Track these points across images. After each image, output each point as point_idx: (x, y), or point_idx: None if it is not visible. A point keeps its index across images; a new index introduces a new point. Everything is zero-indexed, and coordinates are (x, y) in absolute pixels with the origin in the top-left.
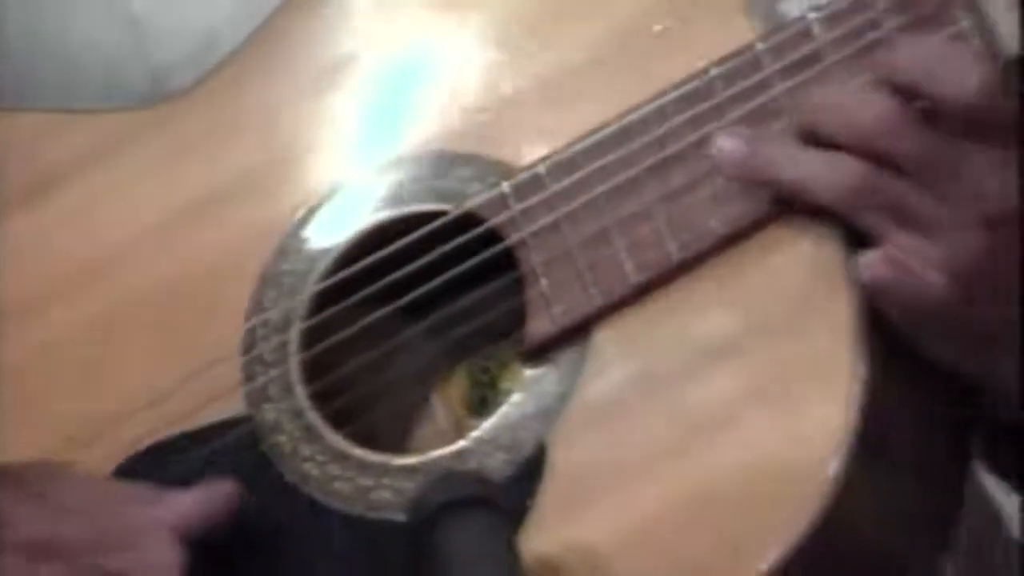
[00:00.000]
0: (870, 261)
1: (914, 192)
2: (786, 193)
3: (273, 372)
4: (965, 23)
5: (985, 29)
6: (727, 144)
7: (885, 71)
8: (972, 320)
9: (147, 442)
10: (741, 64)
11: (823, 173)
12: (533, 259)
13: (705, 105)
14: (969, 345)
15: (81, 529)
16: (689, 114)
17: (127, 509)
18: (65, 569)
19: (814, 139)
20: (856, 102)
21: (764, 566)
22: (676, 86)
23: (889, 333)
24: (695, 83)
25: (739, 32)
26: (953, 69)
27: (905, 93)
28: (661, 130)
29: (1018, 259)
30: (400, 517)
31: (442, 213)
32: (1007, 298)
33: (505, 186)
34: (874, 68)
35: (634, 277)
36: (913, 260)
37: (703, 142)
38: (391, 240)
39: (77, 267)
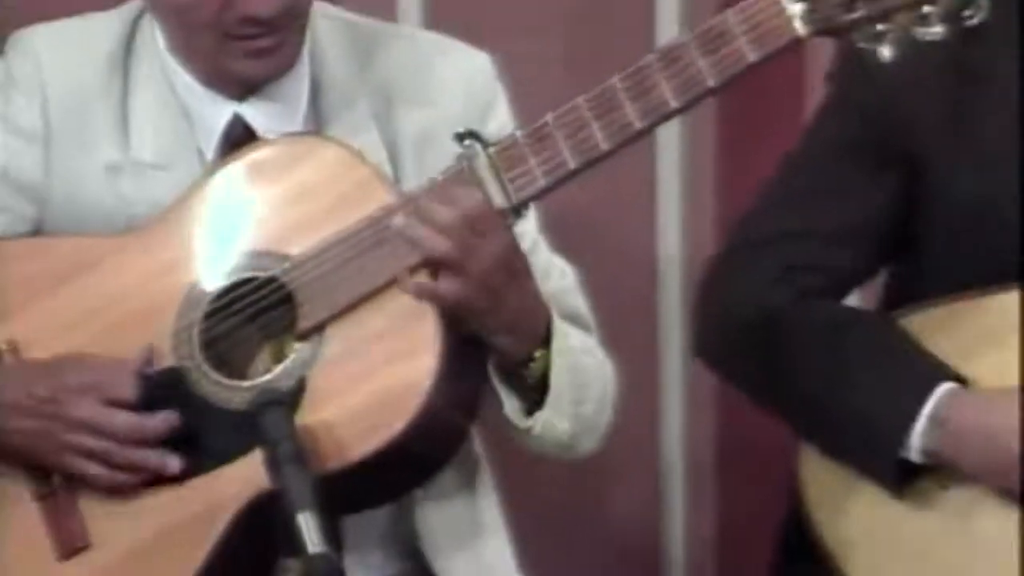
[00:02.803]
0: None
1: (461, 254)
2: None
3: (186, 347)
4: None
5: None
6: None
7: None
8: (485, 318)
9: None
10: (377, 218)
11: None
12: (299, 297)
13: (368, 231)
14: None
15: (79, 381)
16: (365, 234)
17: (97, 369)
18: (90, 401)
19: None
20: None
21: (406, 416)
22: (360, 222)
23: (455, 321)
24: (367, 220)
25: (382, 199)
26: (457, 204)
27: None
28: (355, 239)
29: (492, 298)
30: (244, 407)
31: (258, 277)
32: (493, 313)
33: (286, 264)
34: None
35: (343, 301)
36: (456, 291)
37: (374, 245)
38: (243, 286)
39: (94, 305)
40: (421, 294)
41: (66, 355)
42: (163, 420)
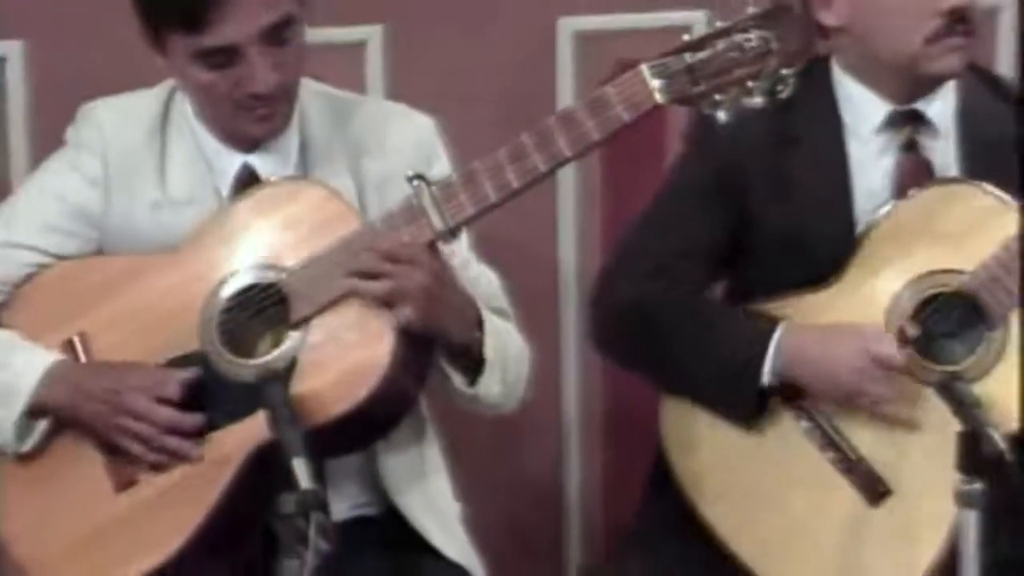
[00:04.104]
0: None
1: (400, 284)
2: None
3: (208, 336)
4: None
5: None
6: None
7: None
8: (438, 319)
9: (170, 357)
10: (349, 240)
11: (365, 287)
12: (292, 298)
13: (342, 251)
14: (433, 327)
15: (138, 383)
16: (340, 252)
17: (152, 375)
18: (143, 397)
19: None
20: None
21: (369, 386)
22: (336, 243)
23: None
24: (342, 242)
25: (352, 225)
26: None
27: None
28: (333, 256)
29: (437, 303)
30: (251, 380)
31: (261, 283)
32: (443, 312)
33: (282, 274)
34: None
35: (324, 300)
36: (407, 313)
37: (346, 260)
38: (250, 290)
39: (139, 306)
40: (397, 323)
41: (131, 361)
42: (193, 420)
